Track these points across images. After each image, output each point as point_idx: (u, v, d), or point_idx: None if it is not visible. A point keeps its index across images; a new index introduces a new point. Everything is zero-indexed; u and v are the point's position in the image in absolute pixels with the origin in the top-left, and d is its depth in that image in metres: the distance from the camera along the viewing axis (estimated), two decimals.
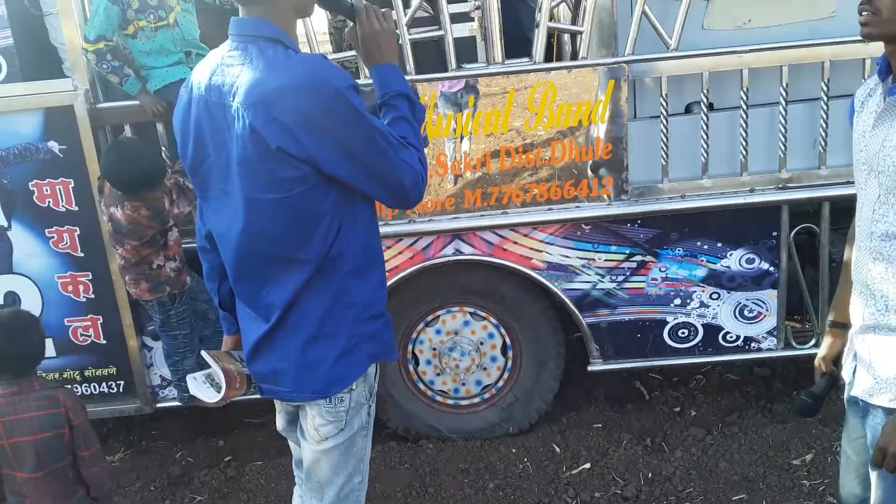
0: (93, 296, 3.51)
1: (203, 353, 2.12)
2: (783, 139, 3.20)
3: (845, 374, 1.98)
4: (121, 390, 3.68)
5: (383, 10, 1.91)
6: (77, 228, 3.42)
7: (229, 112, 1.71)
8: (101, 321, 3.56)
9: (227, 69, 1.75)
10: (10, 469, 2.50)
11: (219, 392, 2.04)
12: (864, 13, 1.73)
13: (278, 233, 1.79)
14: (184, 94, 1.87)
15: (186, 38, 3.26)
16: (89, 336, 3.59)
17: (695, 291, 3.46)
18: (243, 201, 1.78)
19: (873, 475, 1.90)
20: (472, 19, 3.40)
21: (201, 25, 3.35)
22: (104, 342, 3.59)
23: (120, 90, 3.30)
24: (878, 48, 1.74)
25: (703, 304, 3.48)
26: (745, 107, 3.15)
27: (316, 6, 1.94)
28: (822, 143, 3.20)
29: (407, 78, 3.09)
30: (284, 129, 1.65)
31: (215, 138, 1.79)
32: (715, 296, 3.46)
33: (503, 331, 3.64)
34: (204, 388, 2.09)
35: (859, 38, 1.77)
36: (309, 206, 1.75)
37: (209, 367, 2.10)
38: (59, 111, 3.28)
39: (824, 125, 3.16)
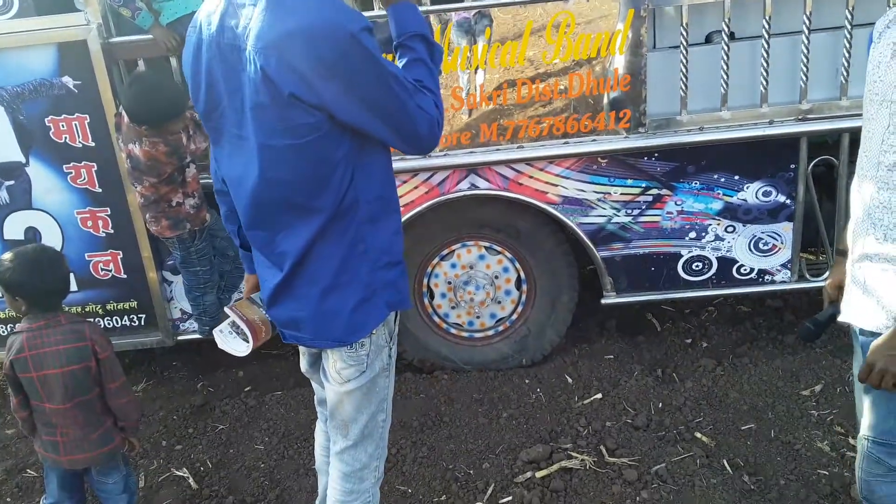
0: (112, 231, 3.48)
1: (226, 309, 2.10)
2: (805, 69, 3.06)
3: (843, 302, 1.97)
4: (142, 323, 3.68)
5: None
6: (94, 164, 3.37)
7: (243, 55, 1.63)
8: (121, 256, 3.54)
9: (239, 9, 1.65)
10: (40, 401, 2.50)
11: (247, 342, 2.04)
12: None
13: (293, 180, 1.72)
14: (192, 35, 1.77)
15: None
16: (110, 270, 3.57)
17: (710, 225, 3.38)
18: (257, 147, 1.71)
19: (863, 394, 1.92)
20: None
21: None
22: (125, 276, 3.57)
23: (132, 24, 3.19)
24: None
25: (718, 238, 3.41)
26: (766, 36, 3.01)
27: None
28: (845, 73, 3.06)
29: (421, 9, 3.04)
30: (297, 75, 1.57)
31: (228, 82, 1.70)
32: (730, 229, 3.39)
33: (518, 265, 3.59)
34: (231, 340, 2.09)
35: None
36: (323, 153, 1.69)
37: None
38: (72, 46, 3.19)
39: (847, 54, 3.02)
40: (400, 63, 1.79)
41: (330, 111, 1.62)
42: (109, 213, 3.47)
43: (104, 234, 3.51)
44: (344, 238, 1.79)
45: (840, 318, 1.95)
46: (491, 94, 3.15)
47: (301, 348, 2.16)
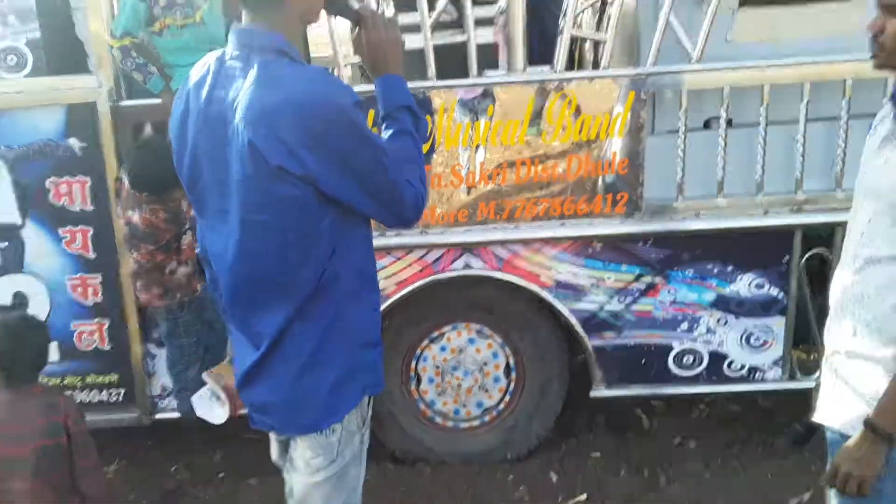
0: (101, 299, 2.97)
1: (204, 374, 1.85)
2: (801, 159, 2.73)
3: (818, 399, 1.67)
4: (121, 399, 3.08)
5: (389, 16, 1.59)
6: (91, 228, 2.89)
7: (230, 128, 1.39)
8: (107, 326, 3.00)
9: (229, 81, 1.41)
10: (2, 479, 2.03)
11: (224, 408, 1.83)
12: (872, 46, 1.52)
13: (274, 255, 1.49)
14: (179, 104, 1.52)
15: (213, 35, 2.77)
16: (94, 341, 3.02)
17: (702, 316, 2.91)
18: (239, 222, 1.47)
19: (833, 499, 1.64)
20: (494, 23, 2.87)
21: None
22: (108, 348, 3.01)
23: (143, 88, 2.79)
24: None
25: (709, 330, 2.93)
26: (764, 124, 2.67)
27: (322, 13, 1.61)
28: (841, 165, 2.72)
29: (427, 84, 2.61)
30: (285, 147, 1.38)
31: (214, 155, 1.45)
32: (722, 321, 2.92)
33: (508, 350, 3.08)
34: (209, 407, 1.87)
35: None
36: (306, 227, 1.47)
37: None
38: (81, 108, 2.80)
39: (843, 145, 2.70)
40: (386, 134, 1.57)
41: (316, 183, 1.42)
42: (101, 280, 2.96)
43: (93, 303, 2.99)
44: (324, 314, 1.55)
45: (814, 417, 1.65)
46: (490, 173, 2.78)
47: (271, 435, 1.79)
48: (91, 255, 2.88)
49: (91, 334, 2.97)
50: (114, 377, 3.02)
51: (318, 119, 1.38)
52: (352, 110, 1.42)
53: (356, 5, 1.66)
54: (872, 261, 1.52)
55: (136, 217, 2.67)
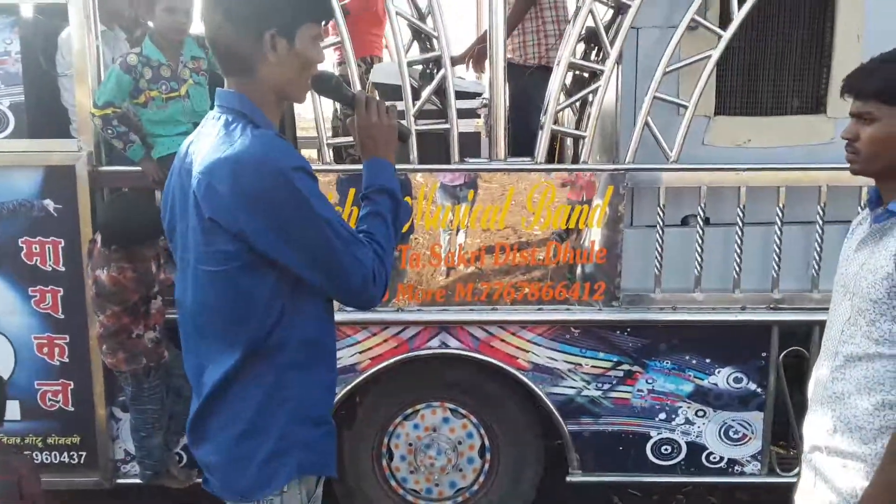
0: (67, 360, 3.28)
1: None
2: (777, 259, 3.06)
3: (796, 495, 1.88)
4: (82, 461, 3.39)
5: (388, 103, 1.80)
6: (61, 289, 3.23)
7: (192, 179, 1.61)
8: (72, 387, 3.32)
9: (202, 138, 1.65)
10: None
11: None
12: (847, 152, 1.79)
13: (215, 307, 1.64)
14: (175, 161, 1.76)
15: (196, 109, 3.15)
16: (58, 401, 3.33)
17: (680, 407, 3.24)
18: (192, 269, 1.65)
19: None
20: (479, 116, 3.35)
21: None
22: (72, 409, 3.33)
23: (122, 155, 3.18)
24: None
25: (688, 421, 3.26)
26: (740, 224, 3.03)
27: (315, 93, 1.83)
28: (816, 267, 3.06)
29: (409, 167, 3.07)
30: (219, 200, 1.54)
31: (182, 205, 1.67)
32: (701, 413, 3.25)
33: (483, 431, 3.39)
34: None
35: None
36: (243, 286, 1.60)
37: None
38: (60, 170, 3.14)
39: (819, 249, 3.04)
40: (361, 213, 1.74)
41: (248, 241, 1.55)
42: (68, 340, 3.29)
43: (59, 363, 3.30)
44: (264, 380, 1.65)
45: None
46: (469, 255, 3.11)
47: None
48: (60, 315, 3.21)
49: (55, 395, 3.27)
50: (76, 439, 3.31)
51: (255, 177, 1.51)
52: (295, 175, 1.53)
53: (352, 90, 1.86)
54: (852, 358, 1.74)
55: (103, 275, 2.94)
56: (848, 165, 1.79)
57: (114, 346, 3.07)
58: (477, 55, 3.92)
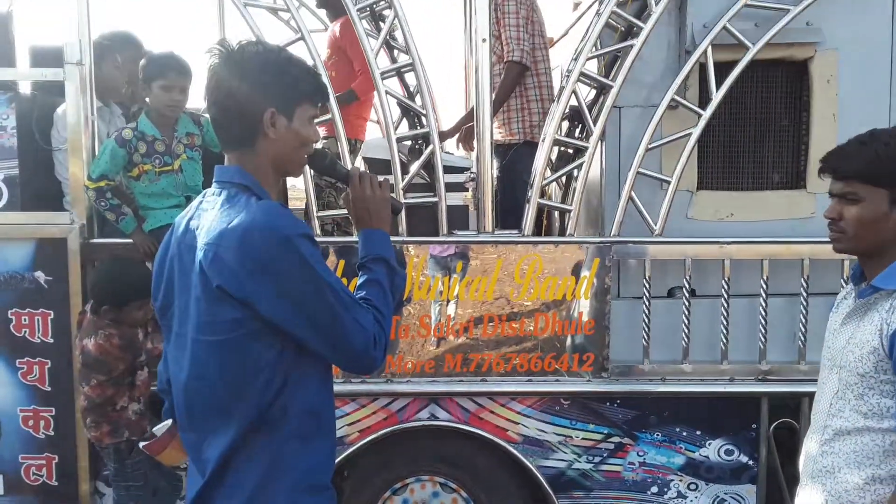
0: (52, 433, 3.28)
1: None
2: (763, 331, 3.12)
3: None
4: None
5: (381, 178, 1.88)
6: (48, 361, 3.25)
7: (195, 253, 1.67)
8: (57, 461, 3.30)
9: (202, 213, 1.72)
10: None
11: None
12: (832, 231, 1.83)
13: (216, 379, 1.67)
14: (168, 236, 1.83)
15: (189, 183, 3.24)
16: (42, 476, 3.32)
17: (672, 480, 3.25)
18: (190, 343, 1.69)
19: None
20: (467, 189, 3.43)
21: (207, 171, 3.35)
22: (56, 484, 3.31)
23: (114, 227, 3.24)
24: None
25: (680, 495, 3.26)
26: (726, 296, 3.10)
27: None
28: (802, 339, 3.12)
29: (399, 239, 3.12)
30: (227, 268, 1.60)
31: (182, 281, 1.72)
32: (693, 486, 3.25)
33: None
34: None
35: None
36: (248, 354, 1.64)
37: None
38: (52, 243, 3.21)
39: (804, 321, 3.10)
40: (358, 282, 1.80)
41: (255, 307, 1.60)
42: (54, 413, 3.29)
43: (44, 436, 3.30)
44: (267, 451, 1.69)
45: None
46: (458, 327, 3.15)
47: None
48: (46, 387, 3.21)
49: (39, 468, 3.25)
50: None
51: (260, 244, 1.58)
52: (298, 240, 1.60)
53: (347, 167, 1.96)
54: (841, 432, 1.78)
55: (90, 344, 2.95)
56: (828, 239, 1.87)
57: (97, 418, 3.07)
58: (465, 134, 4.03)
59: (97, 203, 3.17)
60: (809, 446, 1.89)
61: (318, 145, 4.20)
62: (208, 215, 1.69)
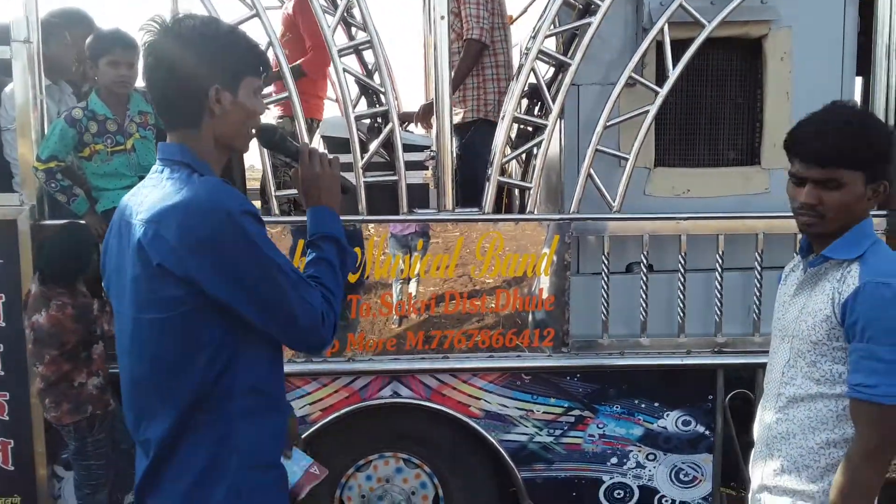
0: (7, 417, 3.24)
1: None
2: (719, 304, 3.20)
3: None
4: None
5: (332, 155, 1.85)
6: (1, 345, 3.19)
7: (133, 229, 1.63)
8: (12, 445, 3.26)
9: (142, 190, 1.69)
10: None
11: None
12: (803, 217, 1.80)
13: (157, 357, 1.65)
14: (115, 216, 1.79)
15: (142, 163, 3.18)
16: None
17: (631, 451, 3.33)
18: (130, 321, 1.66)
19: None
20: (427, 168, 3.42)
21: None
22: (12, 468, 3.27)
23: (67, 208, 3.17)
24: None
25: (639, 465, 3.34)
26: (682, 271, 3.17)
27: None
28: (756, 311, 3.20)
29: (358, 218, 3.11)
30: (167, 246, 1.56)
31: (120, 258, 1.69)
32: (651, 456, 3.33)
33: (436, 481, 3.42)
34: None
35: (790, 214, 1.85)
36: (191, 332, 1.62)
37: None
38: (1, 224, 3.14)
39: (758, 293, 3.18)
40: (307, 260, 1.78)
41: (198, 284, 1.57)
42: (8, 398, 3.24)
43: None
44: (212, 431, 1.67)
45: None
46: (420, 304, 3.17)
47: None
48: (0, 371, 3.17)
49: None
50: (17, 499, 3.25)
51: (203, 221, 1.55)
52: (243, 218, 1.57)
53: (297, 143, 1.92)
54: (795, 399, 1.82)
55: (41, 318, 2.93)
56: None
57: (56, 397, 3.04)
58: (423, 112, 4.01)
59: (47, 185, 3.10)
60: (763, 415, 1.94)
61: (273, 122, 4.16)
62: (149, 193, 1.66)
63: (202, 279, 1.57)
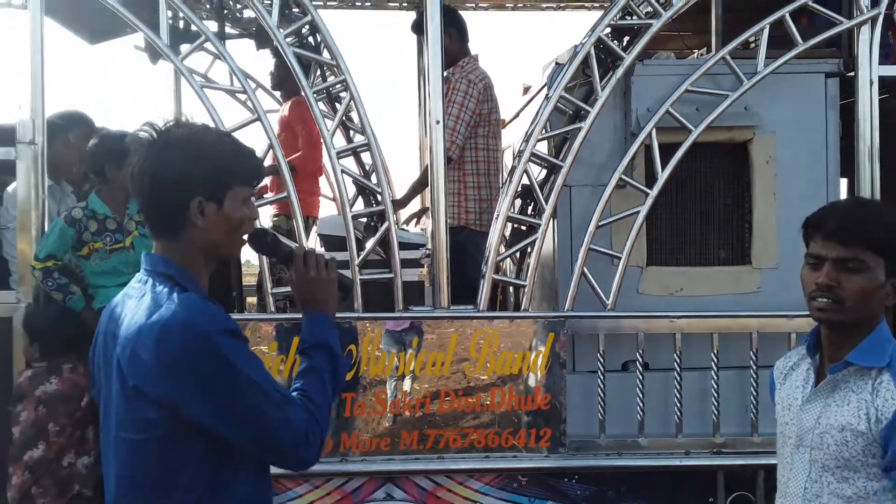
0: None
1: None
2: (716, 403, 3.18)
3: None
4: None
5: (328, 255, 1.85)
6: None
7: (116, 343, 1.62)
8: None
9: (127, 301, 1.66)
10: None
11: None
12: (820, 299, 1.70)
13: (134, 478, 1.61)
14: (101, 323, 1.75)
15: (140, 260, 3.20)
16: None
17: None
18: (113, 439, 1.63)
19: None
20: (422, 266, 3.45)
21: None
22: None
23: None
24: (802, 323, 1.74)
25: None
26: (678, 369, 3.16)
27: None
28: (754, 411, 3.18)
29: (353, 315, 3.12)
30: (142, 367, 1.54)
31: (105, 372, 1.67)
32: None
33: None
34: None
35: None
36: (170, 454, 1.58)
37: None
38: None
39: (755, 392, 3.17)
40: (298, 370, 1.75)
41: (174, 408, 1.55)
42: None
43: None
44: None
45: None
46: (415, 402, 3.14)
47: None
48: None
49: None
50: None
51: (179, 343, 1.52)
52: (220, 338, 1.55)
53: (291, 245, 1.92)
54: None
55: (53, 385, 2.92)
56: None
57: (45, 481, 2.95)
58: (421, 212, 4.09)
59: (44, 283, 3.12)
60: None
61: (268, 224, 4.21)
62: (131, 305, 1.63)
63: (178, 401, 1.55)
